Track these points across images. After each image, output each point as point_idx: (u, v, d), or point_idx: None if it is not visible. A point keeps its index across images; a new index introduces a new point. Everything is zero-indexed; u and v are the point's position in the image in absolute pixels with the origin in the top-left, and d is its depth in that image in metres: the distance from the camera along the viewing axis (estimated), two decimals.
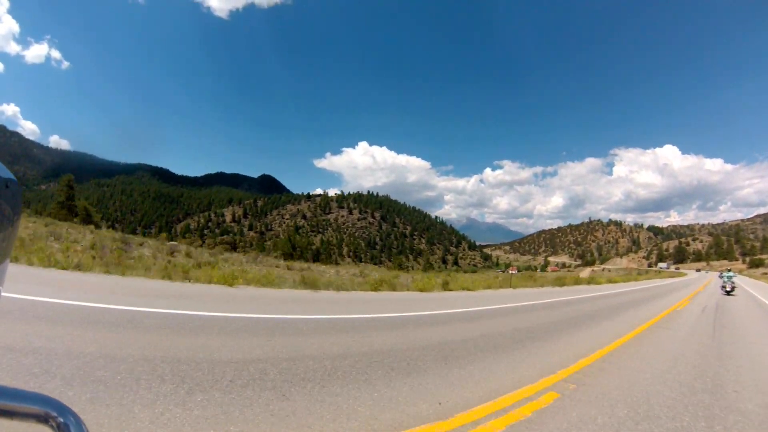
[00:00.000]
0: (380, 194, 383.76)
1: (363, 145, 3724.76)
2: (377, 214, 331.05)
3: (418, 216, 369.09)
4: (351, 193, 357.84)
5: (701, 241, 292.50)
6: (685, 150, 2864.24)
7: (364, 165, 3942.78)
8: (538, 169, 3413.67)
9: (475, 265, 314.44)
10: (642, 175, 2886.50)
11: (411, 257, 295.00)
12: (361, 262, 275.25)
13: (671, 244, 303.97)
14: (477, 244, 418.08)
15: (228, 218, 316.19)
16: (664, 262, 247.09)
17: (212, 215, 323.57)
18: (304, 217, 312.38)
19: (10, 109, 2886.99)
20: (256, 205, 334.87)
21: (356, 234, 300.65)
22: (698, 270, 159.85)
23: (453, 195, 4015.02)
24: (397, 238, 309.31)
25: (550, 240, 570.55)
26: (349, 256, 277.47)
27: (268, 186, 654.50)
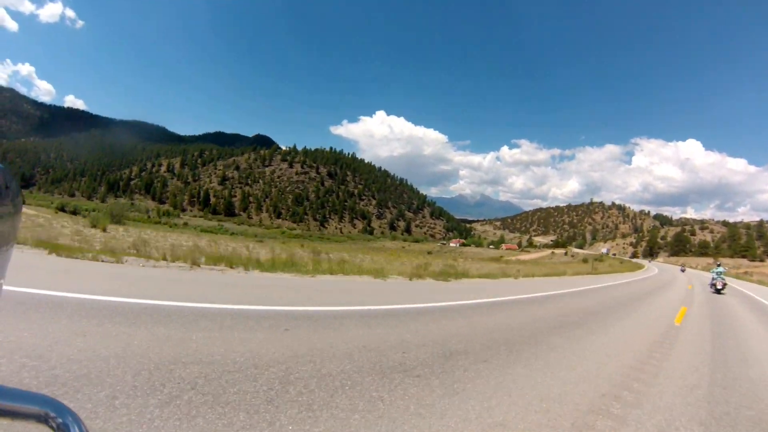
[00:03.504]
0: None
1: (380, 114, 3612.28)
2: (324, 170, 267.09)
3: (377, 175, 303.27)
4: (306, 148, 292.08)
5: (711, 231, 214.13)
6: (708, 146, 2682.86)
7: (381, 134, 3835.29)
8: (556, 151, 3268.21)
9: (432, 235, 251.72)
10: (662, 168, 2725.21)
11: (347, 218, 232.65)
12: (279, 218, 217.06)
13: (670, 231, 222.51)
14: (451, 214, 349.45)
15: (164, 168, 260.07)
16: (605, 247, 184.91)
17: (148, 165, 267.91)
18: (237, 168, 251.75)
19: (26, 68, 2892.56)
20: (202, 156, 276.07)
21: (288, 189, 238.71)
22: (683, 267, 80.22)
23: (468, 170, 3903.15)
24: (339, 197, 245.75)
25: (544, 219, 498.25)
26: (267, 212, 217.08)
27: (261, 145, 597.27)
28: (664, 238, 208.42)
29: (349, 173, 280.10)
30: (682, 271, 66.41)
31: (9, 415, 0.53)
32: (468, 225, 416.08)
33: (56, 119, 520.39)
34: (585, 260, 72.95)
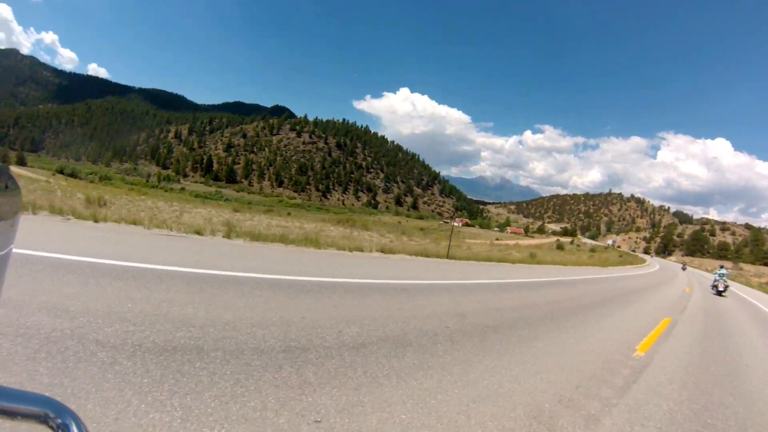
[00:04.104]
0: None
1: (404, 91, 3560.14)
2: (333, 140, 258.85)
3: (388, 148, 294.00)
4: (317, 118, 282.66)
5: (733, 233, 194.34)
6: (737, 147, 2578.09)
7: (404, 111, 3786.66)
8: (580, 139, 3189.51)
9: (440, 213, 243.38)
10: (687, 165, 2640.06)
11: (351, 190, 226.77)
12: (281, 186, 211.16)
13: (688, 230, 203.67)
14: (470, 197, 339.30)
15: (171, 134, 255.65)
16: (611, 239, 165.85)
17: (156, 131, 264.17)
18: (244, 136, 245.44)
19: (49, 37, 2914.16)
20: (211, 123, 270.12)
21: (293, 158, 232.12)
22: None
23: (490, 153, 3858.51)
24: (346, 168, 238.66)
25: (559, 206, 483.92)
26: (269, 180, 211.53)
27: (276, 116, 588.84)
28: (681, 235, 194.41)
29: (359, 145, 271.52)
30: (683, 269, 58.57)
31: (9, 415, 0.53)
32: (481, 206, 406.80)
33: (75, 87, 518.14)
34: (560, 247, 65.53)
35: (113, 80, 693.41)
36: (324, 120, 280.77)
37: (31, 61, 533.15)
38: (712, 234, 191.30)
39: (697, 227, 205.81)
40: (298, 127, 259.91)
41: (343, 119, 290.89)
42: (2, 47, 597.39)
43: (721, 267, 25.96)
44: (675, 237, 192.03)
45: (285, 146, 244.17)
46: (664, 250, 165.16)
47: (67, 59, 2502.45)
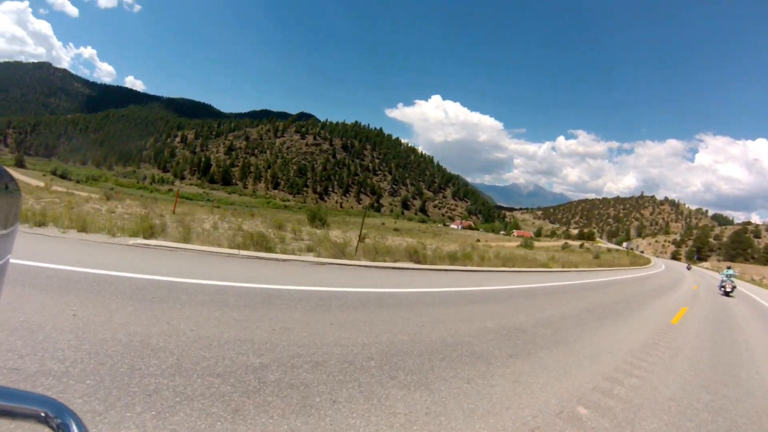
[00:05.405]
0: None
1: (436, 98, 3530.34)
2: (339, 142, 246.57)
3: (399, 150, 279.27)
4: (327, 120, 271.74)
5: None
6: None
7: (436, 119, 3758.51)
8: (614, 144, 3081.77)
9: (451, 218, 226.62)
10: (727, 168, 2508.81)
11: (352, 193, 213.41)
12: (276, 188, 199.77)
13: (727, 231, 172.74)
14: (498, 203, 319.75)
15: (177, 139, 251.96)
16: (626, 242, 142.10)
17: (164, 136, 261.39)
18: (247, 138, 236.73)
19: (87, 52, 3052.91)
20: (219, 127, 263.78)
21: (294, 160, 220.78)
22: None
23: (523, 159, 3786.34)
24: (350, 170, 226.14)
25: (587, 211, 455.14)
26: (265, 182, 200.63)
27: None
28: (719, 238, 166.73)
29: (368, 147, 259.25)
30: (688, 269, 52.70)
31: (9, 415, 0.52)
32: (507, 212, 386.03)
33: (104, 97, 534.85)
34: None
35: (148, 91, 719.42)
36: (334, 122, 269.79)
37: (63, 73, 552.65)
38: (757, 236, 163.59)
39: (738, 227, 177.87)
40: (303, 129, 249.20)
41: (355, 121, 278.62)
42: (38, 61, 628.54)
43: (729, 268, 25.78)
44: (711, 239, 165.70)
45: (287, 148, 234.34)
46: (697, 255, 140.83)
47: (105, 72, 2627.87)
